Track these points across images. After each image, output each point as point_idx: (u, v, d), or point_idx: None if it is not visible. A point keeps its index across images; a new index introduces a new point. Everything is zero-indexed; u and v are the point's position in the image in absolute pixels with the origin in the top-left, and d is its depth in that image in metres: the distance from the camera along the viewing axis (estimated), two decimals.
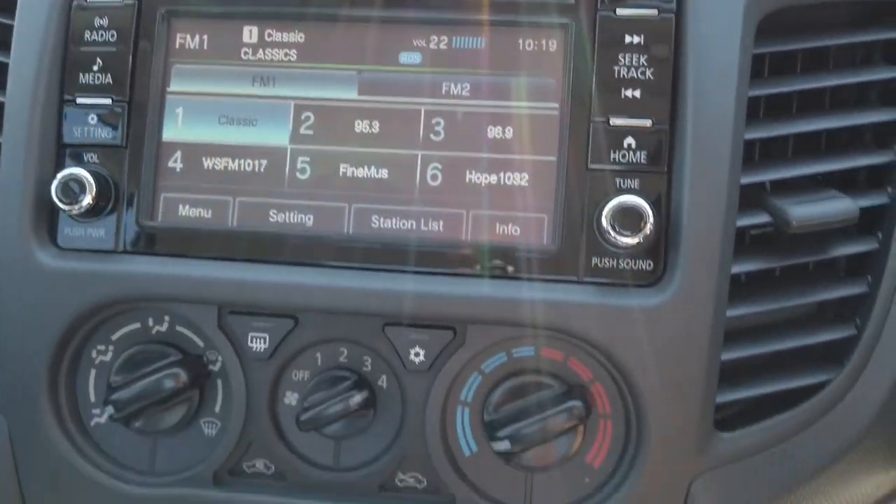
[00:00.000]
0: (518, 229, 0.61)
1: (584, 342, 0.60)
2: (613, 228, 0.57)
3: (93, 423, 0.67)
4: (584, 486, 0.63)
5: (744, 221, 0.61)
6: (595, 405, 0.62)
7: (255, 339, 0.64)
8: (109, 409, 0.63)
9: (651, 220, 0.57)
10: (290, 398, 0.65)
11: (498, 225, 0.61)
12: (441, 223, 0.62)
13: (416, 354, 0.62)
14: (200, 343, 0.66)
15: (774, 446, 0.61)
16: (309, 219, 0.63)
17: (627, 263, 0.60)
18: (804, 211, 0.60)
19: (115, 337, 0.66)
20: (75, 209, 0.62)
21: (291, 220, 0.63)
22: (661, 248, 0.60)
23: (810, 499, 0.63)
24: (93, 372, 0.67)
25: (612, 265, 0.60)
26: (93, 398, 0.67)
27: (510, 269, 0.61)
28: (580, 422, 0.60)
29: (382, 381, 0.65)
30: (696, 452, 0.60)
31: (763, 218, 0.61)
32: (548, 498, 0.63)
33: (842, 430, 0.62)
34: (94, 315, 0.64)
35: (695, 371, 0.59)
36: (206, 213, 0.64)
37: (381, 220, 0.62)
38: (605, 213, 0.58)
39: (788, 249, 0.63)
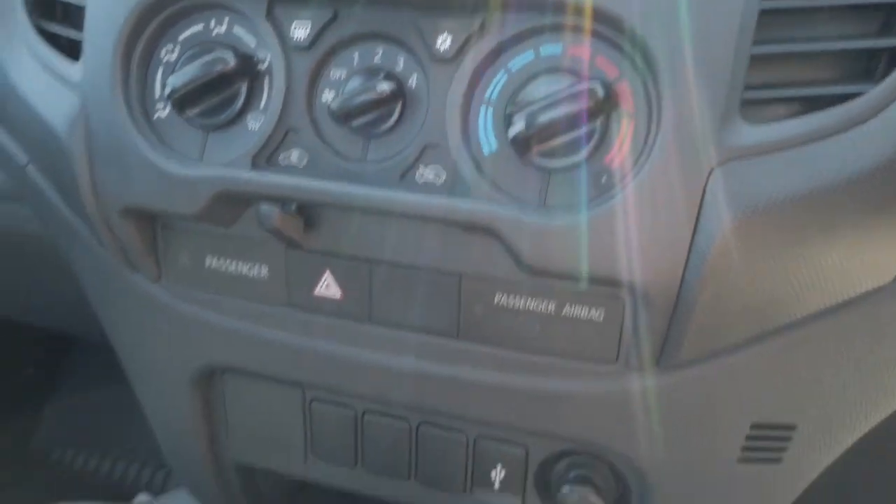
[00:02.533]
0: None
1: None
2: None
3: (156, 117, 0.74)
4: (600, 186, 0.62)
5: None
6: (619, 103, 0.62)
7: (297, 28, 0.68)
8: (168, 88, 0.69)
9: None
10: (327, 96, 0.69)
11: None
12: None
13: (443, 41, 0.65)
14: (252, 43, 0.71)
15: (798, 146, 0.59)
16: None
17: None
18: None
19: (181, 38, 0.73)
20: None
21: None
22: None
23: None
24: (160, 69, 0.73)
25: None
26: (158, 93, 0.74)
27: None
28: (598, 107, 0.60)
29: (413, 80, 0.67)
30: (716, 139, 0.58)
31: None
32: (562, 195, 0.63)
33: (866, 150, 0.59)
34: (162, 5, 0.71)
35: (723, 42, 0.58)
36: None
37: None
38: None
39: None
